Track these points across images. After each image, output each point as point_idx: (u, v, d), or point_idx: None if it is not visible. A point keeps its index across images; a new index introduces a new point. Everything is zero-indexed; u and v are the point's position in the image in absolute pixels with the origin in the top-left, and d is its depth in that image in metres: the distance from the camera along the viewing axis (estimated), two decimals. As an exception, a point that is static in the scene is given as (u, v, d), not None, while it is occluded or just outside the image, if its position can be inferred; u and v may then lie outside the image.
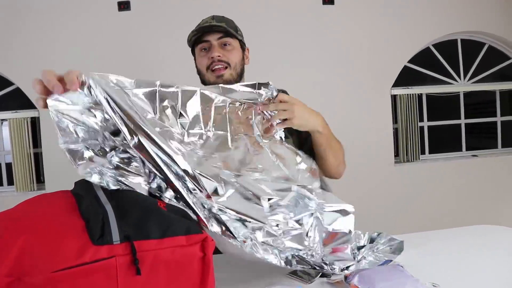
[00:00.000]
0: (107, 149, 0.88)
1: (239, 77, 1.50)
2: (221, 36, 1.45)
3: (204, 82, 1.52)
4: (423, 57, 3.97)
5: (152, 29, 3.47)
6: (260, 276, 1.05)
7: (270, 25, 3.48)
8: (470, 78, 4.12)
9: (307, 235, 0.99)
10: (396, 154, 3.96)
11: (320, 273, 1.04)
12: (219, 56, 1.44)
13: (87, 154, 0.85)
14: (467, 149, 4.20)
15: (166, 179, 0.86)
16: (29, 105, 3.44)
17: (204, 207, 0.89)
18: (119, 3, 3.40)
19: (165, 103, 1.00)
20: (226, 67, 1.46)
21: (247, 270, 1.10)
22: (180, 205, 0.87)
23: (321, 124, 1.31)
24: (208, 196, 0.90)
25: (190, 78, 3.78)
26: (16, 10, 3.34)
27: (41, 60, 3.36)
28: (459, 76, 4.10)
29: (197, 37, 1.47)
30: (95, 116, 0.85)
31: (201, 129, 1.04)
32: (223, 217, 0.89)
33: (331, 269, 1.02)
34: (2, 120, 3.54)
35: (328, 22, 3.66)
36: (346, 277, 0.96)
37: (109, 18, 3.43)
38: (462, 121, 4.18)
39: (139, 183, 0.88)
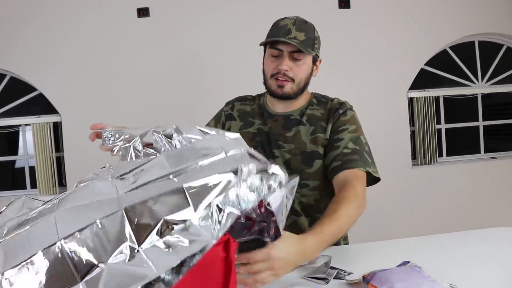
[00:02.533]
0: None
1: (300, 91, 1.49)
2: (295, 50, 1.41)
3: (266, 84, 1.51)
4: (440, 59, 3.95)
5: (171, 35, 3.52)
6: (278, 279, 1.08)
7: (287, 29, 3.49)
8: (488, 80, 4.09)
9: None
10: (414, 157, 3.95)
11: (335, 274, 1.07)
12: (286, 70, 1.42)
13: None
14: (485, 151, 4.16)
15: None
16: (52, 110, 3.53)
17: None
18: (139, 10, 3.46)
19: None
20: (290, 81, 1.44)
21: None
22: None
23: (311, 258, 1.07)
24: None
25: (209, 84, 3.80)
26: (38, 18, 3.42)
27: (62, 66, 3.45)
28: (476, 78, 4.07)
29: (271, 41, 1.43)
30: None
31: None
32: None
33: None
34: (26, 124, 3.63)
35: (344, 26, 3.67)
36: (364, 278, 0.99)
37: (129, 25, 3.49)
38: (480, 123, 4.15)
39: None
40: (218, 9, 3.55)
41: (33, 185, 3.65)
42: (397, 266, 1.06)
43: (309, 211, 1.46)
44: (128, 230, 0.69)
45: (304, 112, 1.52)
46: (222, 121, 1.64)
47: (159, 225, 0.70)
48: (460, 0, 3.82)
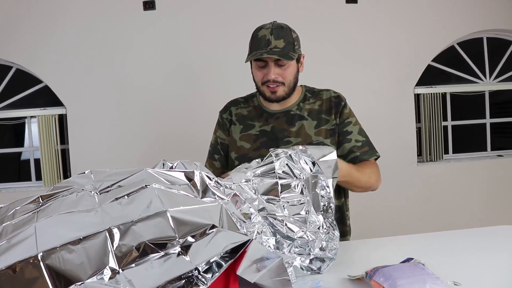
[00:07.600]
0: None
1: (292, 91, 1.59)
2: (278, 58, 1.49)
3: (259, 91, 1.61)
4: (448, 55, 3.92)
5: (177, 28, 3.51)
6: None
7: (294, 24, 3.45)
8: (496, 77, 4.05)
9: None
10: (419, 154, 3.93)
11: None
12: (275, 77, 1.52)
13: None
14: (492, 149, 4.13)
15: None
16: (57, 103, 3.53)
17: None
18: (144, 3, 3.45)
19: None
20: (281, 85, 1.54)
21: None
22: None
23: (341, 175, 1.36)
24: None
25: (215, 79, 3.79)
26: (44, 10, 3.42)
27: (67, 59, 3.44)
28: (484, 75, 4.03)
29: (254, 56, 1.51)
30: None
31: None
32: None
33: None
34: (31, 116, 3.64)
35: (351, 21, 3.65)
36: (367, 274, 0.98)
37: (134, 18, 3.48)
38: (487, 120, 4.12)
39: None
40: (225, 3, 3.53)
41: (38, 177, 3.66)
42: (401, 262, 1.05)
43: None
44: (110, 250, 0.69)
45: (302, 107, 1.63)
46: (227, 128, 1.71)
47: (141, 247, 0.70)
48: (468, -4, 3.79)
